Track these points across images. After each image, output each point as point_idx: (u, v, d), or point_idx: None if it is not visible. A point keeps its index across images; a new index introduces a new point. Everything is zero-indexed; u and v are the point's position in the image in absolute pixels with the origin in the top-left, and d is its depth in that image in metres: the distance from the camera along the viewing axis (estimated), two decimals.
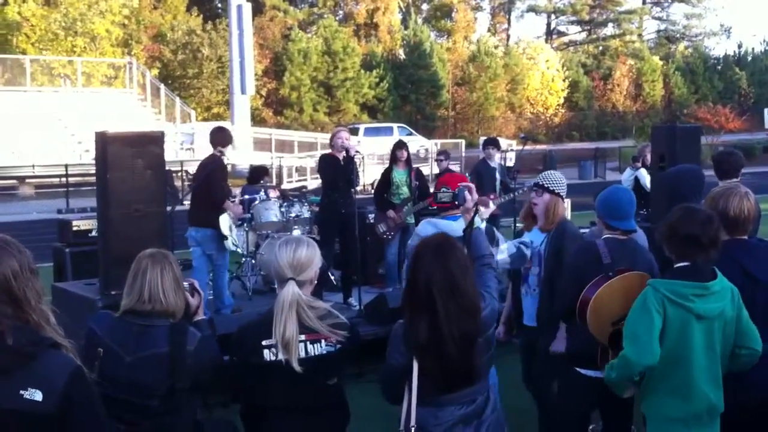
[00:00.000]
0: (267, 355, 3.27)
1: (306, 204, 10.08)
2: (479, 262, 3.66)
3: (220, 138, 8.20)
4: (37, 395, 2.41)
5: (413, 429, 3.17)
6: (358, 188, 9.87)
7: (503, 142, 25.50)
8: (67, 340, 2.56)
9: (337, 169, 8.63)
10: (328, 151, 8.95)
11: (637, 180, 11.01)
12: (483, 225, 4.23)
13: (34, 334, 2.47)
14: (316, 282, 3.47)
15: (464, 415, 3.24)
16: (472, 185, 4.31)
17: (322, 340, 3.32)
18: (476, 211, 4.07)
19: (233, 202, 8.74)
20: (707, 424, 3.67)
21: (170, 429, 3.28)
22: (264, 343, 3.27)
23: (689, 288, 3.55)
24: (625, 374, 3.68)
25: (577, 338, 4.08)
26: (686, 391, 3.60)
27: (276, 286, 3.43)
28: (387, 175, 9.76)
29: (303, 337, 3.29)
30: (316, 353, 3.31)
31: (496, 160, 11.07)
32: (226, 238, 8.21)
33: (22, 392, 2.41)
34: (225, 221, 8.27)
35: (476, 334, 3.22)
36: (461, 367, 3.19)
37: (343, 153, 8.65)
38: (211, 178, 8.04)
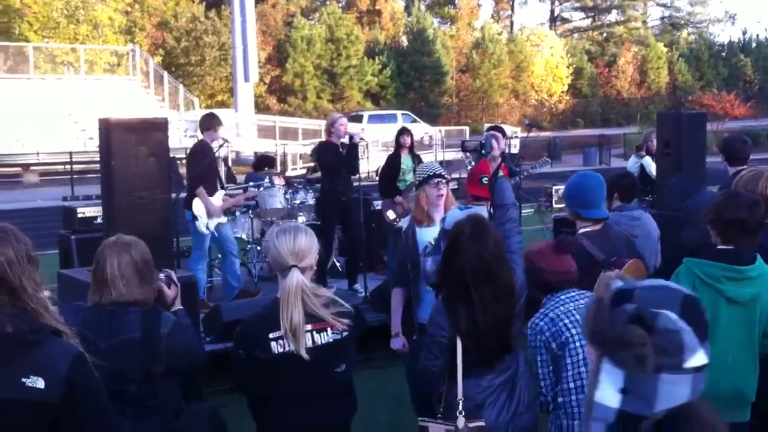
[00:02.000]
0: (274, 347, 3.27)
1: (310, 191, 10.07)
2: (501, 211, 3.80)
3: (202, 122, 8.51)
4: (39, 383, 2.39)
5: (461, 402, 3.36)
6: (363, 175, 9.87)
7: (508, 129, 25.45)
8: (68, 327, 2.55)
9: (338, 156, 8.63)
10: (326, 139, 8.94)
11: (642, 168, 10.99)
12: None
13: (34, 321, 2.45)
14: (315, 268, 3.47)
15: (502, 382, 3.46)
16: (499, 134, 4.41)
17: (329, 329, 3.32)
18: (503, 160, 4.17)
19: (233, 191, 8.77)
20: (733, 410, 3.61)
21: (149, 415, 3.29)
22: (271, 336, 3.27)
23: (723, 270, 3.52)
24: None
25: None
26: (710, 374, 3.55)
27: (277, 274, 3.42)
28: (394, 162, 9.74)
29: (309, 326, 3.29)
30: (323, 342, 3.32)
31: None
32: (196, 218, 8.24)
33: (23, 380, 2.38)
34: (198, 206, 8.27)
35: (512, 314, 3.40)
36: (499, 345, 3.39)
37: (344, 139, 8.66)
38: (187, 161, 8.41)
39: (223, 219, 8.44)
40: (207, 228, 8.29)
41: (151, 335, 3.25)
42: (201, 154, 8.32)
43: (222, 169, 9.01)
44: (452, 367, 3.41)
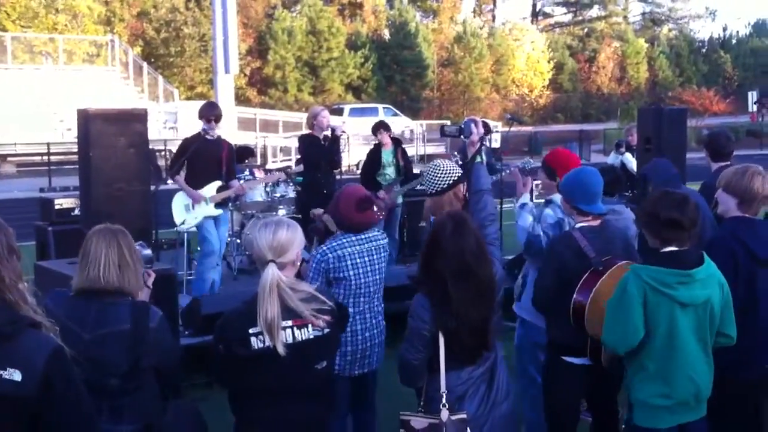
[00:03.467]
0: (255, 343, 3.23)
1: (291, 184, 10.03)
2: (476, 197, 3.84)
3: (200, 112, 8.17)
4: (17, 375, 2.34)
5: (444, 395, 3.39)
6: (344, 168, 9.83)
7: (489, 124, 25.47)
8: (47, 319, 2.49)
9: (320, 149, 8.60)
10: (308, 131, 8.89)
11: (623, 164, 11.04)
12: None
13: (11, 313, 2.40)
14: (299, 264, 3.43)
15: (482, 373, 3.49)
16: (478, 118, 4.42)
17: (309, 325, 3.29)
18: (481, 145, 4.19)
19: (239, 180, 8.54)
20: (693, 409, 3.67)
21: (129, 410, 3.23)
22: (251, 331, 3.24)
23: (672, 275, 3.51)
24: (611, 353, 3.77)
25: (564, 328, 4.02)
26: (672, 379, 3.59)
27: (258, 268, 3.39)
28: (374, 156, 9.72)
29: (290, 322, 3.25)
30: (304, 338, 3.28)
31: None
32: (182, 221, 8.13)
33: (0, 372, 2.35)
34: (176, 201, 8.13)
35: (491, 311, 3.43)
36: (477, 344, 3.42)
37: (326, 132, 8.62)
38: None
39: (215, 212, 8.17)
40: (183, 224, 8.12)
41: (141, 328, 3.20)
42: (181, 147, 8.27)
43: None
44: (433, 361, 3.40)
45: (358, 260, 4.35)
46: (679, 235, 3.57)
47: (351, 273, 4.32)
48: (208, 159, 8.04)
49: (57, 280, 6.20)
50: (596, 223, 4.15)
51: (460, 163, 9.55)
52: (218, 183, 8.15)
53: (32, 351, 2.39)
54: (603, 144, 33.97)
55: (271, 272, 3.23)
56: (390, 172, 9.61)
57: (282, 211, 9.41)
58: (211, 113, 8.09)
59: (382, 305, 4.66)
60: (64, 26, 36.49)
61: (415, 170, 10.25)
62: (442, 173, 4.53)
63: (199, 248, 8.47)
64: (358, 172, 10.83)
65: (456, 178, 4.56)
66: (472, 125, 4.26)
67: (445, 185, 4.49)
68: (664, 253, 3.59)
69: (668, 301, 3.51)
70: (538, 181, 5.35)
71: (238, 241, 9.37)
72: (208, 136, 8.03)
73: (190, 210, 8.09)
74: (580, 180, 4.22)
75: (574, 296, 3.87)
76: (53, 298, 3.29)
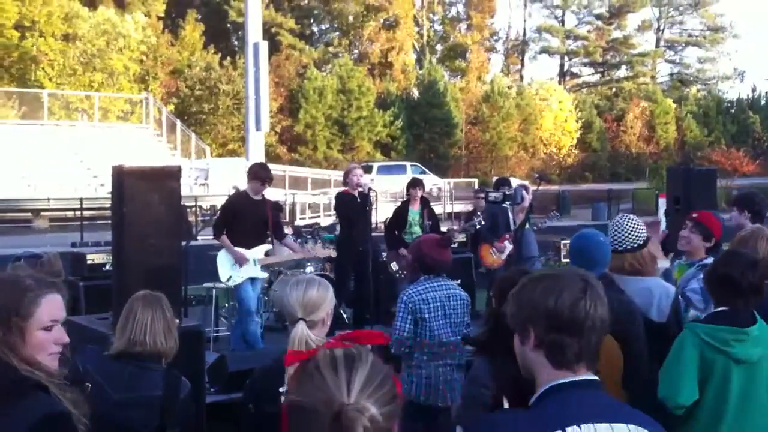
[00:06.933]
0: (284, 401, 3.23)
1: (319, 241, 10.07)
2: (528, 264, 3.81)
3: (254, 173, 8.10)
4: None
5: None
6: (372, 225, 9.85)
7: (517, 182, 25.45)
8: (56, 380, 2.42)
9: (354, 207, 8.64)
10: (343, 188, 8.96)
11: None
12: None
13: (15, 373, 2.34)
14: (329, 323, 3.43)
15: None
16: (528, 185, 4.47)
17: None
18: (530, 211, 4.22)
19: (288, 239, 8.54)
20: None
21: None
22: (281, 390, 3.23)
23: (728, 333, 3.48)
24: (668, 412, 3.63)
25: None
26: None
27: (288, 325, 3.40)
28: (401, 213, 9.75)
29: None
30: None
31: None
32: (228, 277, 8.10)
33: None
34: (222, 257, 8.14)
35: None
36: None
37: (359, 189, 8.68)
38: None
39: (261, 274, 8.13)
40: (229, 280, 8.12)
41: (172, 397, 3.22)
42: (226, 205, 8.38)
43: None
44: None
45: (438, 304, 4.96)
46: (733, 295, 3.52)
47: (429, 315, 4.92)
48: (256, 219, 8.00)
49: (88, 335, 6.25)
50: None
51: (480, 225, 9.45)
52: (268, 246, 8.10)
53: (32, 414, 2.29)
54: (632, 203, 33.80)
55: (300, 329, 3.23)
56: (416, 230, 9.63)
57: (309, 269, 9.44)
58: (266, 175, 7.99)
59: (462, 358, 5.04)
60: (100, 84, 37.34)
61: (443, 228, 10.26)
62: (637, 228, 4.45)
63: (237, 305, 8.46)
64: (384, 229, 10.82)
65: (647, 237, 4.52)
66: (523, 191, 4.29)
67: (641, 241, 4.42)
68: (717, 312, 3.57)
69: (724, 359, 3.47)
70: (567, 241, 5.36)
71: (266, 298, 9.39)
72: (255, 197, 8.00)
73: (238, 268, 8.04)
74: (576, 246, 4.13)
75: None
76: (86, 356, 3.31)
